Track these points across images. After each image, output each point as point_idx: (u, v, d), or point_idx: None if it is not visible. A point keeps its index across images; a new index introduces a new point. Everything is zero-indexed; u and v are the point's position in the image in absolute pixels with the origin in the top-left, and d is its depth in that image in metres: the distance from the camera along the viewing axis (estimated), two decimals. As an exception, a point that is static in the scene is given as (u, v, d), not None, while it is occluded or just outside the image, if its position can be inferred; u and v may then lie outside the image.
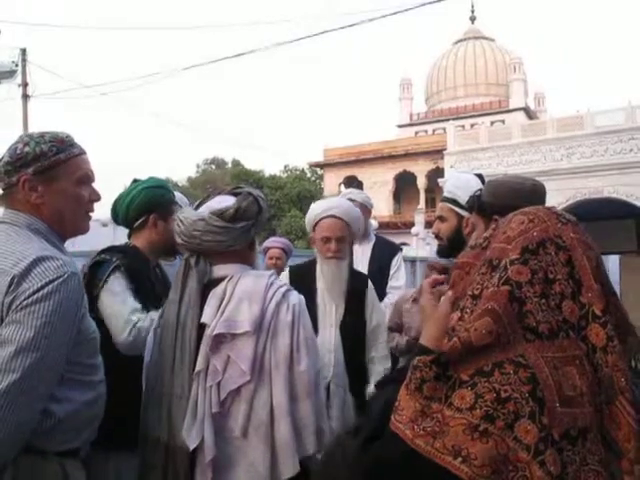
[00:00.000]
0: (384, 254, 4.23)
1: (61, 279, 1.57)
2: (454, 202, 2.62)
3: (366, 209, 4.34)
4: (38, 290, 1.53)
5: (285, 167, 47.26)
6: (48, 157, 1.75)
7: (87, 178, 1.87)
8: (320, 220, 2.95)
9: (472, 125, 39.04)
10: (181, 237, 1.99)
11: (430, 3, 11.16)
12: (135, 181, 2.64)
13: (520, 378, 0.94)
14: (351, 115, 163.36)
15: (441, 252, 2.67)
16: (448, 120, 33.67)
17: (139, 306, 2.31)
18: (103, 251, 2.45)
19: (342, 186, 41.98)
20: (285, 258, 5.19)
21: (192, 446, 1.81)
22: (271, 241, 5.02)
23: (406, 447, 0.96)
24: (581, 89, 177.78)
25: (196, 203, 2.14)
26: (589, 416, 0.94)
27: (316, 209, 3.01)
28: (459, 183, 2.67)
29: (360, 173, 40.00)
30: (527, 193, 2.07)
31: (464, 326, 1.01)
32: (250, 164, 49.17)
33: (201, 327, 1.91)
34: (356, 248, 4.22)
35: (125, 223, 2.59)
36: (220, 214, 1.95)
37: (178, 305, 1.97)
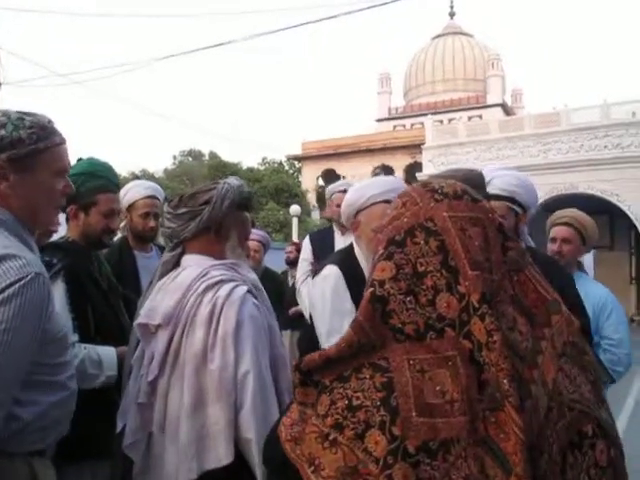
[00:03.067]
0: (366, 246, 4.17)
1: (23, 281, 1.44)
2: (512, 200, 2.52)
3: None
4: None
5: (263, 160, 46.87)
6: (26, 145, 1.60)
7: (65, 170, 1.74)
8: (372, 205, 2.36)
9: (450, 120, 39.14)
10: None
11: (407, -3, 11.09)
12: (79, 160, 2.44)
13: (375, 384, 0.87)
14: (330, 108, 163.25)
15: None
16: (426, 115, 33.71)
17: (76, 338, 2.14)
18: (42, 249, 2.21)
19: (320, 179, 41.91)
20: (263, 251, 5.14)
21: (117, 430, 1.86)
22: (248, 233, 4.93)
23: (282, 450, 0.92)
24: (558, 86, 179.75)
25: None
26: (457, 426, 0.83)
27: (367, 191, 2.39)
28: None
29: (338, 166, 39.91)
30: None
31: None
32: (228, 156, 48.74)
33: None
34: (337, 238, 4.24)
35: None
36: (169, 201, 1.96)
37: (146, 292, 2.02)
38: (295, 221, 18.47)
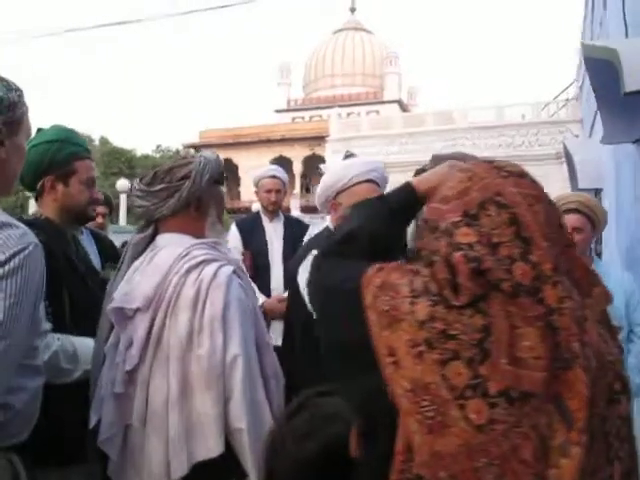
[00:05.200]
0: (296, 231, 4.30)
1: (27, 251, 1.34)
2: None
3: (285, 186, 4.48)
4: (3, 263, 1.28)
5: (158, 147, 45.73)
6: (19, 108, 1.47)
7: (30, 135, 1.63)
8: (357, 184, 2.30)
9: (348, 114, 39.82)
10: None
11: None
12: (39, 131, 2.13)
13: (474, 323, 0.91)
14: (230, 98, 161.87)
15: None
16: (325, 108, 34.03)
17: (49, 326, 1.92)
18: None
19: (217, 169, 41.29)
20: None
21: (90, 425, 1.72)
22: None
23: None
24: (452, 87, 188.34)
25: None
26: (538, 381, 0.89)
27: (349, 172, 2.33)
28: None
29: (236, 156, 39.79)
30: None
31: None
32: (120, 142, 46.99)
33: None
34: (267, 225, 4.37)
35: (28, 188, 2.12)
36: (141, 178, 1.86)
37: (115, 276, 1.89)
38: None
